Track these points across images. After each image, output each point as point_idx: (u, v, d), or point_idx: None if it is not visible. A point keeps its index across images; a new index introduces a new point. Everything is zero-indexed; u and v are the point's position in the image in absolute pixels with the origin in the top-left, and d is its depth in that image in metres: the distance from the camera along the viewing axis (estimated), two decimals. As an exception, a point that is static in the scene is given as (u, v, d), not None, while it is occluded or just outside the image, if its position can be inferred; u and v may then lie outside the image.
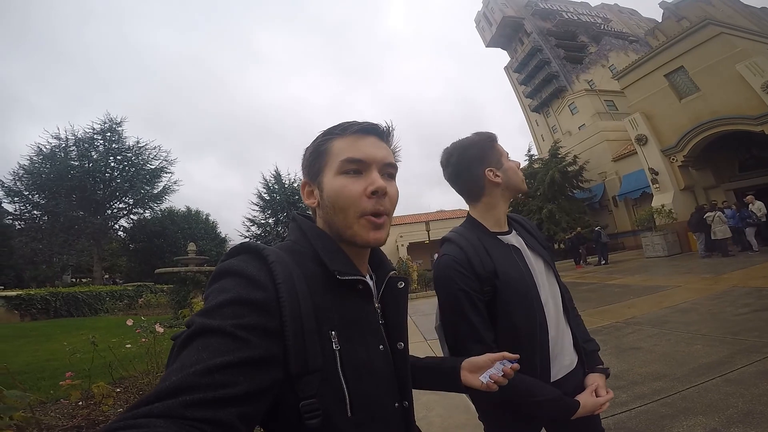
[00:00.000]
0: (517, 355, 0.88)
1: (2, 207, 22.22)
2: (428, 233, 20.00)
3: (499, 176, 1.18)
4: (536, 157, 23.88)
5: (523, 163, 23.32)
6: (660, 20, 28.43)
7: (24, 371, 4.19)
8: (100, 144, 23.22)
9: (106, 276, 28.08)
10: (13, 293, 11.71)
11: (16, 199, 21.84)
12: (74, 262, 26.26)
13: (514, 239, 1.18)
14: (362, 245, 0.71)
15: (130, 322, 3.82)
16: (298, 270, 0.61)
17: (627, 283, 8.91)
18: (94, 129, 23.00)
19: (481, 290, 1.08)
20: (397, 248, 31.30)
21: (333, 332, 0.61)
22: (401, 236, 31.73)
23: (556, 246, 20.74)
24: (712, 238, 11.21)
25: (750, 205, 10.92)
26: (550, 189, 20.40)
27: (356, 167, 0.70)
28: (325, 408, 0.57)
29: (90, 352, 3.32)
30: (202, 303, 0.59)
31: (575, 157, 21.25)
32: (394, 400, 0.71)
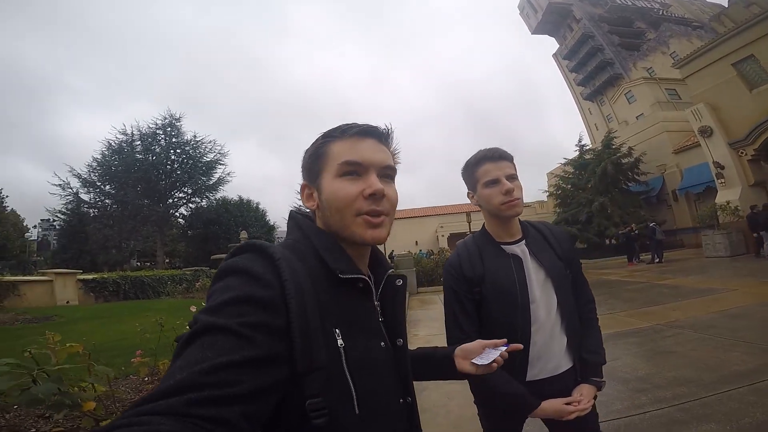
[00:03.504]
0: (505, 339, 0.92)
1: (80, 197, 24.59)
2: (469, 224, 19.84)
3: (474, 199, 1.33)
4: (588, 147, 22.70)
5: (574, 154, 22.39)
6: (726, 5, 26.01)
7: (100, 349, 4.73)
8: (162, 138, 25.12)
9: (167, 260, 30.37)
10: (90, 277, 13.11)
11: (90, 189, 24.21)
12: (140, 247, 28.66)
13: (518, 249, 1.28)
14: (361, 244, 0.71)
15: (193, 309, 4.20)
16: (303, 268, 0.62)
17: (678, 284, 8.48)
18: (156, 124, 24.94)
19: (469, 290, 1.27)
20: (437, 238, 31.26)
21: (336, 330, 0.62)
22: (441, 226, 31.69)
23: (606, 242, 19.82)
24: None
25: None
26: (601, 181, 19.37)
27: (354, 170, 0.71)
28: (331, 406, 0.57)
29: (156, 332, 3.73)
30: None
31: (630, 148, 20.06)
32: (398, 396, 0.72)
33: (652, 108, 24.25)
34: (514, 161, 1.30)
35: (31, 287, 11.13)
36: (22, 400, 2.04)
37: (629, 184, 20.50)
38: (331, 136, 0.74)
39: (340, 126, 0.75)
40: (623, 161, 19.83)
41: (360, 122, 0.76)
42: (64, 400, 2.00)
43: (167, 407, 0.42)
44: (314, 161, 0.75)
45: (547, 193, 25.05)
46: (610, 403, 2.88)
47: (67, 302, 11.50)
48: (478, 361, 0.89)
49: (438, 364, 0.97)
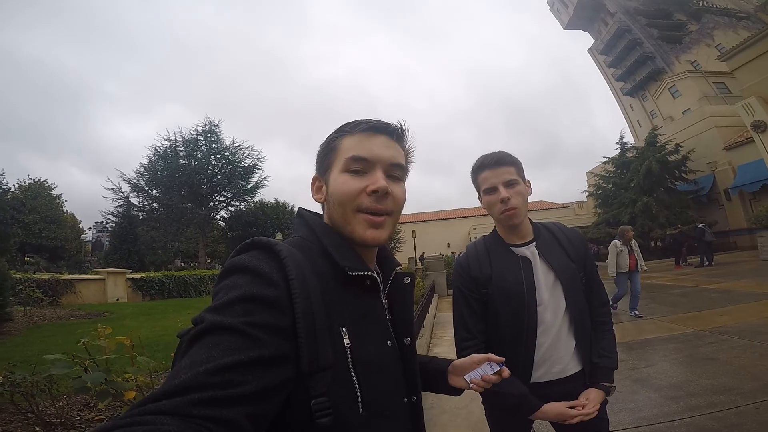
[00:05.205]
0: (503, 359, 0.88)
1: (130, 200, 26.16)
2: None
3: (483, 203, 1.33)
4: (630, 145, 21.66)
5: (615, 152, 21.52)
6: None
7: (144, 344, 5.07)
8: (203, 144, 26.25)
9: (208, 261, 31.67)
10: (138, 276, 13.96)
11: (139, 193, 25.70)
12: (184, 248, 30.12)
13: (527, 251, 1.27)
14: (360, 244, 0.70)
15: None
16: (309, 266, 0.61)
17: (728, 288, 7.98)
18: (197, 131, 26.09)
19: (476, 290, 1.28)
20: (470, 239, 30.82)
21: (343, 329, 0.61)
22: (474, 228, 31.37)
23: (652, 244, 18.85)
24: None
25: None
26: (646, 180, 18.52)
27: (361, 166, 0.70)
28: (336, 405, 0.56)
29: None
30: None
31: (677, 145, 18.98)
32: (403, 395, 0.71)
33: (700, 102, 22.94)
34: (520, 165, 1.28)
35: (86, 285, 11.92)
36: (72, 387, 2.25)
37: (676, 183, 19.49)
38: (343, 130, 0.75)
39: (353, 121, 0.76)
40: (669, 159, 18.84)
41: (374, 118, 0.76)
42: (109, 389, 2.19)
43: (171, 407, 0.42)
44: (326, 155, 0.75)
45: (587, 194, 24.18)
46: (638, 410, 2.80)
47: (117, 299, 12.27)
48: (469, 377, 0.88)
49: (430, 377, 0.93)
